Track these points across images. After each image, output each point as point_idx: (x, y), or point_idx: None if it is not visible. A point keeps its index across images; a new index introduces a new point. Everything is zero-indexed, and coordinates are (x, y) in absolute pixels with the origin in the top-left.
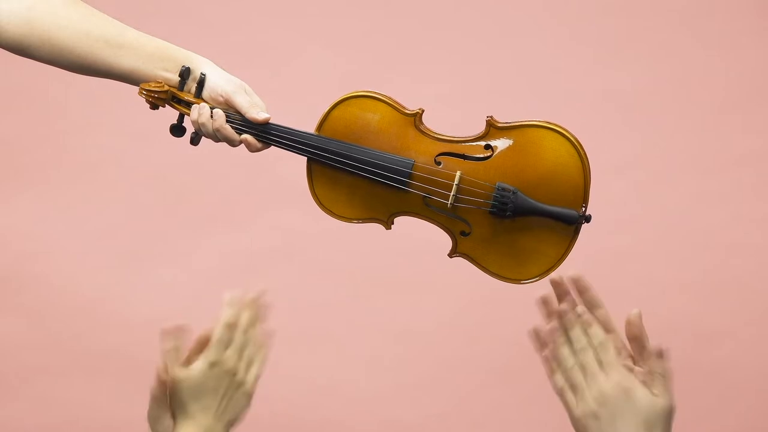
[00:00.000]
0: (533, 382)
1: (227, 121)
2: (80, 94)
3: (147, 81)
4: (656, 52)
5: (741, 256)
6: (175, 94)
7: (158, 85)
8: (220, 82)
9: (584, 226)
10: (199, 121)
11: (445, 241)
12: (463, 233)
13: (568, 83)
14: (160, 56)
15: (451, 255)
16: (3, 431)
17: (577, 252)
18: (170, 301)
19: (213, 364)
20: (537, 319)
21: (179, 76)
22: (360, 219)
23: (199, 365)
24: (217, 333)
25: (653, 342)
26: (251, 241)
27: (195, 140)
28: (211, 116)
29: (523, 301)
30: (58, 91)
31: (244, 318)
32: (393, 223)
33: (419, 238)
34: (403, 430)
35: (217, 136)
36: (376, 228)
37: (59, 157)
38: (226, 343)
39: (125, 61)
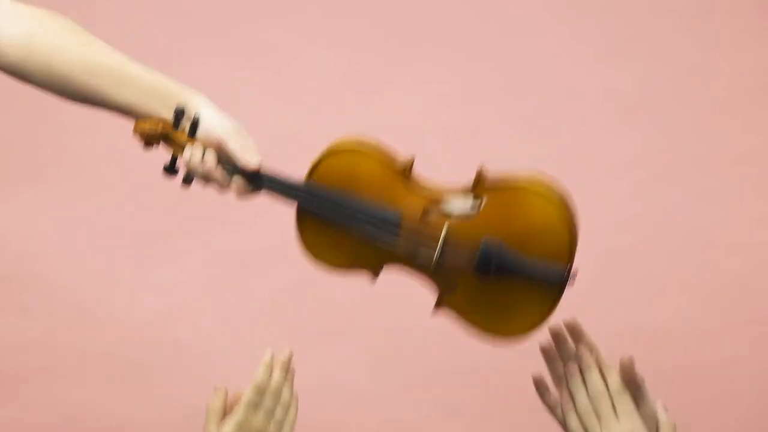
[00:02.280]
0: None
1: (218, 165)
2: None
3: (142, 117)
4: (656, 52)
5: (742, 255)
6: (168, 134)
7: (153, 123)
8: (214, 124)
9: (584, 227)
10: (191, 164)
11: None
12: (447, 288)
13: (568, 83)
14: (156, 93)
15: (435, 310)
16: (3, 431)
17: (578, 252)
18: (170, 301)
19: (241, 426)
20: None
21: (174, 115)
22: (346, 267)
23: (228, 427)
24: (247, 395)
25: (656, 384)
26: (251, 241)
27: (187, 180)
28: (203, 159)
29: None
30: None
31: (275, 379)
32: (379, 274)
33: None
34: (404, 430)
35: (207, 179)
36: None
37: (59, 157)
38: (256, 405)
39: (122, 96)
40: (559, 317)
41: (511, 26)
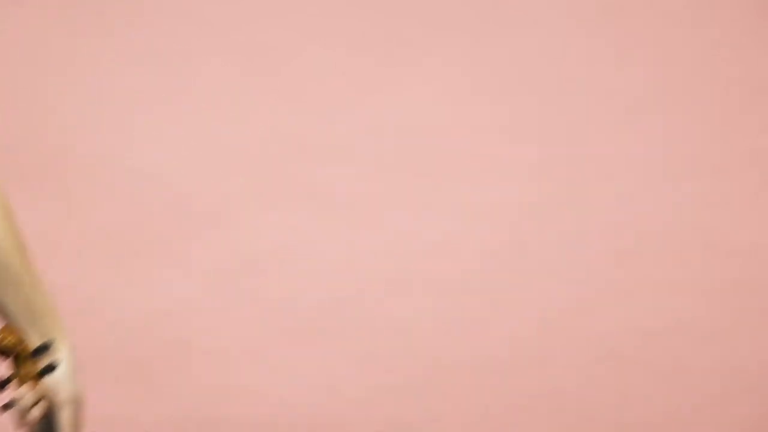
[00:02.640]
0: (532, 381)
1: (41, 421)
2: (80, 93)
3: (11, 326)
4: (659, 51)
5: (744, 255)
6: (21, 358)
7: (15, 339)
8: (62, 383)
9: (586, 228)
10: (20, 402)
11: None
12: None
13: (569, 82)
14: (38, 314)
15: None
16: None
17: (580, 253)
18: (170, 301)
19: None
20: (536, 317)
21: (40, 345)
22: None
23: None
24: None
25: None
26: (251, 242)
27: (6, 407)
28: (30, 409)
29: (523, 300)
30: (58, 91)
31: None
32: None
33: (417, 238)
34: (403, 430)
35: (22, 423)
36: (373, 229)
37: (60, 157)
38: None
39: (4, 297)
40: (559, 316)
41: (512, 26)
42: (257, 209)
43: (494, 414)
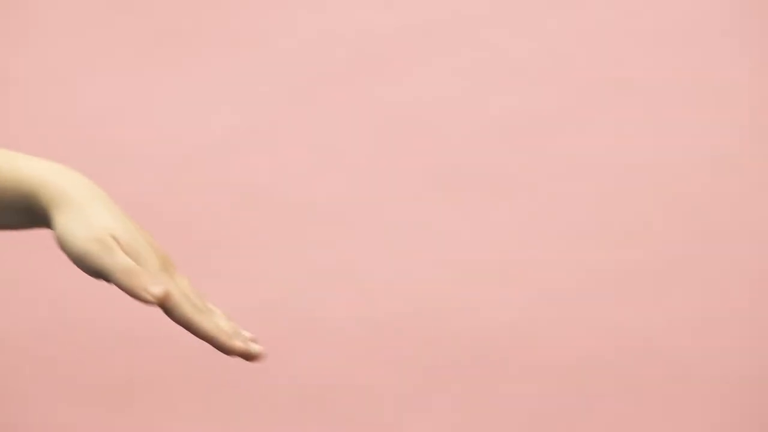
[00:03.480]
0: (529, 381)
1: None
2: (81, 92)
3: None
4: (661, 49)
5: (745, 255)
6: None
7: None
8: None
9: (587, 231)
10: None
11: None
12: None
13: (571, 80)
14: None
15: None
16: (3, 431)
17: (581, 252)
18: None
19: None
20: (535, 316)
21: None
22: None
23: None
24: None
25: None
26: (247, 243)
27: None
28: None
29: (523, 300)
30: (59, 89)
31: None
32: None
33: (415, 238)
34: (403, 430)
35: None
36: (371, 229)
37: (60, 156)
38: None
39: None
40: (559, 314)
41: (513, 24)
42: (258, 211)
43: (493, 412)
